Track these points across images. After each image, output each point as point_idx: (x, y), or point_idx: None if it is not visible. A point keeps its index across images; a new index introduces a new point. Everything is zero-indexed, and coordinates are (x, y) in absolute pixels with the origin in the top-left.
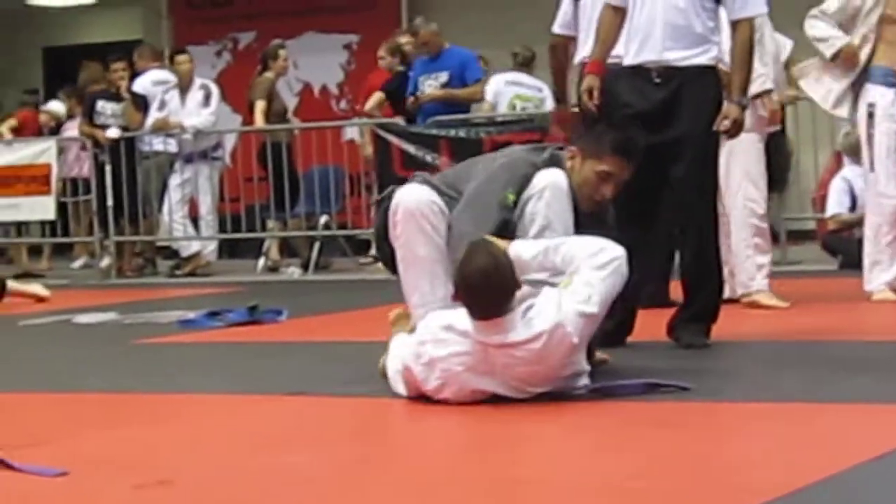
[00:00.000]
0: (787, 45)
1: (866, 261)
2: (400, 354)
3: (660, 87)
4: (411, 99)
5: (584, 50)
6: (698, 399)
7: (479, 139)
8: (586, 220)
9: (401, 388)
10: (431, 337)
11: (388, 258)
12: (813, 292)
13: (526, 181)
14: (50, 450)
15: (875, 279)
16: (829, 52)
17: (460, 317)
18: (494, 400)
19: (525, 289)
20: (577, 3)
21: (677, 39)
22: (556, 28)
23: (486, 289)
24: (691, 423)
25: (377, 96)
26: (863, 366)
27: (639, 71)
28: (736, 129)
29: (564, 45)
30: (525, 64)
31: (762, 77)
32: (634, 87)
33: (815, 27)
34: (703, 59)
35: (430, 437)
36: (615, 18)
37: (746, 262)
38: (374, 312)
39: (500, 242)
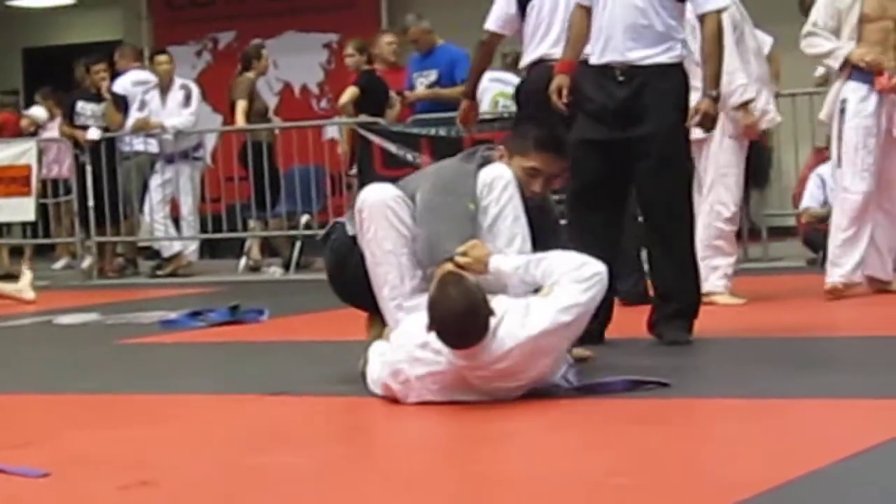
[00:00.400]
0: (767, 41)
1: (829, 256)
2: (377, 366)
3: (623, 85)
4: (401, 97)
5: (534, 52)
6: (678, 396)
7: (460, 137)
8: (530, 211)
9: (381, 393)
10: (406, 356)
11: (343, 290)
12: (792, 288)
13: (475, 186)
14: (33, 451)
15: (832, 274)
16: (836, 63)
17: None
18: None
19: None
20: (522, 5)
21: (638, 39)
22: (493, 26)
23: (462, 325)
24: (671, 419)
25: (350, 91)
26: (838, 361)
27: (604, 70)
28: (709, 123)
29: (494, 45)
30: (514, 65)
31: (742, 87)
32: (600, 85)
33: (814, 45)
34: (665, 58)
35: (412, 436)
36: (584, 18)
37: (701, 264)
38: (355, 312)
39: (481, 251)
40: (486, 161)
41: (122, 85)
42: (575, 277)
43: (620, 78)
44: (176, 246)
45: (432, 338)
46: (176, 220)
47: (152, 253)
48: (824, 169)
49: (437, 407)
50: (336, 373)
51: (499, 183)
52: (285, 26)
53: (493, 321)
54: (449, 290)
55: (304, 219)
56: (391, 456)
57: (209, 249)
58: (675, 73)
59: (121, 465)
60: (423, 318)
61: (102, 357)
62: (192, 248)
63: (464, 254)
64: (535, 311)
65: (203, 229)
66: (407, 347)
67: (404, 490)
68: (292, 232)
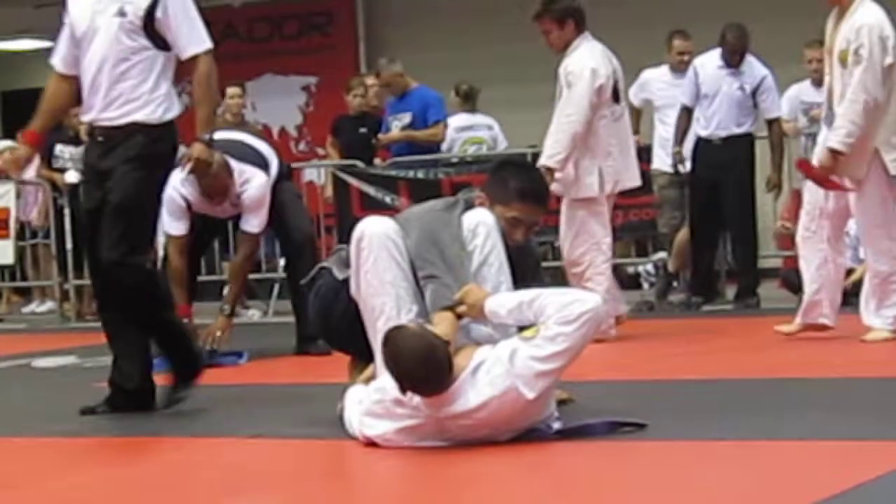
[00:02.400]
0: None
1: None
2: (355, 414)
3: (102, 145)
4: (374, 140)
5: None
6: (655, 438)
7: (438, 180)
8: (511, 252)
9: (359, 437)
10: (384, 410)
11: (329, 335)
12: (770, 330)
13: (461, 232)
14: (12, 493)
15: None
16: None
17: None
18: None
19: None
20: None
21: (109, 105)
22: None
23: (424, 373)
24: (648, 462)
25: (329, 140)
26: (817, 403)
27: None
28: (200, 166)
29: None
30: (468, 96)
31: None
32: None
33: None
34: (136, 117)
35: (389, 479)
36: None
37: None
38: (333, 354)
39: (476, 296)
40: (469, 206)
41: None
42: (563, 318)
43: (101, 140)
44: None
45: (408, 395)
46: (155, 262)
47: None
48: None
49: (415, 450)
50: (314, 415)
51: (482, 230)
52: (264, 69)
53: (471, 366)
54: (405, 337)
55: (283, 262)
56: (366, 499)
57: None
58: (139, 135)
59: None
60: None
61: (80, 400)
62: None
63: (461, 301)
64: (519, 360)
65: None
66: (385, 403)
67: None
68: (270, 275)
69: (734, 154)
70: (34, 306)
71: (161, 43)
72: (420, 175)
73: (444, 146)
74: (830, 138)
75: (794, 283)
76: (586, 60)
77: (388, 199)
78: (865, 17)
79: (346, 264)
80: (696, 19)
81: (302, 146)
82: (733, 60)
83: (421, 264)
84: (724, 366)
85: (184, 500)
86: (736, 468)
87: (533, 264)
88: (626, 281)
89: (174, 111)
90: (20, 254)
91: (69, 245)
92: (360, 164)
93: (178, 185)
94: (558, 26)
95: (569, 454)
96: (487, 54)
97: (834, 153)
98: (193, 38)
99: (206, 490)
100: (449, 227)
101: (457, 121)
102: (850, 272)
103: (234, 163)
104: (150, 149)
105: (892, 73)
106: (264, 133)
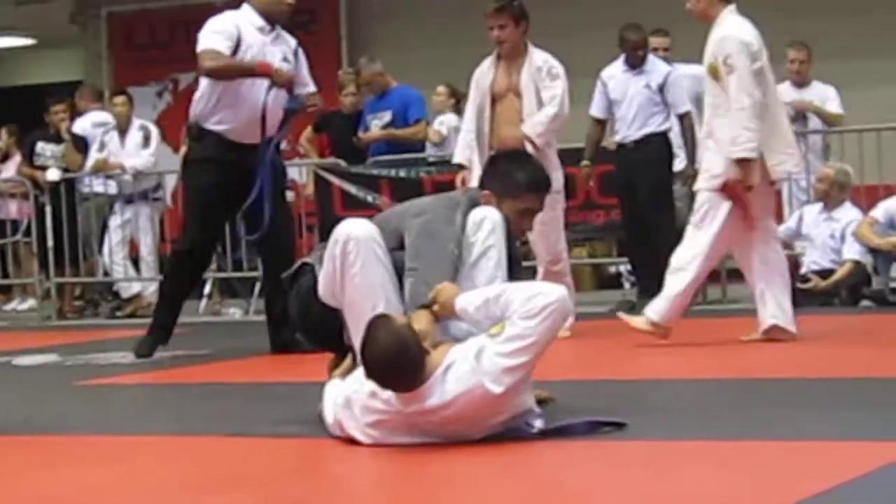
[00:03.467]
0: None
1: None
2: (330, 409)
3: None
4: (355, 139)
5: None
6: (635, 438)
7: (420, 179)
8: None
9: (338, 433)
10: (361, 404)
11: (310, 333)
12: (750, 330)
13: (460, 232)
14: None
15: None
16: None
17: None
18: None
19: (454, 344)
20: None
21: None
22: None
23: (396, 368)
24: (628, 462)
25: (307, 131)
26: (796, 403)
27: None
28: None
29: None
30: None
31: None
32: None
33: None
34: None
35: (364, 478)
36: None
37: None
38: (312, 353)
39: (448, 294)
40: (475, 204)
41: (81, 126)
42: (526, 312)
43: None
44: (135, 287)
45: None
46: (135, 260)
47: (112, 294)
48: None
49: (392, 449)
50: (292, 414)
51: (487, 224)
52: None
53: (444, 364)
54: (376, 333)
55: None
56: (342, 497)
57: None
58: None
59: None
60: None
61: (61, 398)
62: (152, 289)
63: (434, 300)
64: (486, 357)
65: (163, 270)
66: (360, 395)
67: None
68: (252, 273)
69: (647, 154)
70: (15, 304)
71: None
72: (402, 174)
73: (445, 131)
74: (733, 151)
75: None
76: None
77: (369, 199)
78: (727, 28)
79: None
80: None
81: (283, 144)
82: (635, 59)
83: (412, 254)
84: (702, 365)
85: (160, 498)
86: (717, 468)
87: (514, 262)
88: (607, 280)
89: None
90: (1, 252)
91: (50, 243)
92: (342, 163)
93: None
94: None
95: (548, 454)
96: (471, 53)
97: (743, 163)
98: None
99: (183, 489)
100: (451, 225)
101: (452, 120)
102: (830, 273)
103: None
104: None
105: (762, 78)
106: None
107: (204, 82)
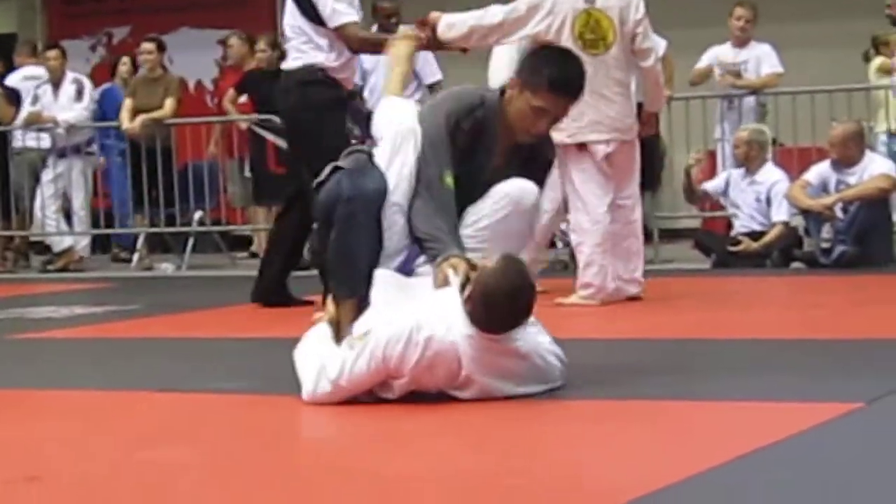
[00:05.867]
0: (661, 44)
1: None
2: (335, 358)
3: None
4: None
5: None
6: (567, 398)
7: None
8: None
9: (323, 385)
10: (363, 359)
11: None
12: (684, 291)
13: (470, 110)
14: None
15: None
16: None
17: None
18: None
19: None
20: None
21: None
22: None
23: (509, 309)
24: (561, 421)
25: (230, 93)
26: (725, 364)
27: None
28: None
29: None
30: None
31: None
32: None
33: None
34: None
35: (308, 434)
36: None
37: None
38: (249, 309)
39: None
40: (491, 101)
41: (14, 79)
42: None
43: None
44: (67, 241)
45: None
46: (68, 215)
47: (43, 248)
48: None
49: (342, 406)
50: (229, 369)
51: (515, 208)
52: (180, 22)
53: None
54: (509, 268)
55: (198, 215)
56: (282, 453)
57: (101, 245)
58: None
59: (7, 461)
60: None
61: None
62: (84, 243)
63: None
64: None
65: (95, 225)
66: (368, 353)
67: (293, 487)
68: (185, 228)
69: None
70: None
71: None
72: None
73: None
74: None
75: (706, 245)
76: None
77: None
78: None
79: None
80: None
81: (217, 100)
82: None
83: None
84: (634, 326)
85: (93, 453)
86: (647, 428)
87: (541, 176)
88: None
89: None
90: None
91: None
92: (276, 119)
93: None
94: None
95: (479, 412)
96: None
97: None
98: None
99: (117, 444)
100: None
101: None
102: (761, 235)
103: None
104: None
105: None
106: (181, 87)
107: (338, 41)
